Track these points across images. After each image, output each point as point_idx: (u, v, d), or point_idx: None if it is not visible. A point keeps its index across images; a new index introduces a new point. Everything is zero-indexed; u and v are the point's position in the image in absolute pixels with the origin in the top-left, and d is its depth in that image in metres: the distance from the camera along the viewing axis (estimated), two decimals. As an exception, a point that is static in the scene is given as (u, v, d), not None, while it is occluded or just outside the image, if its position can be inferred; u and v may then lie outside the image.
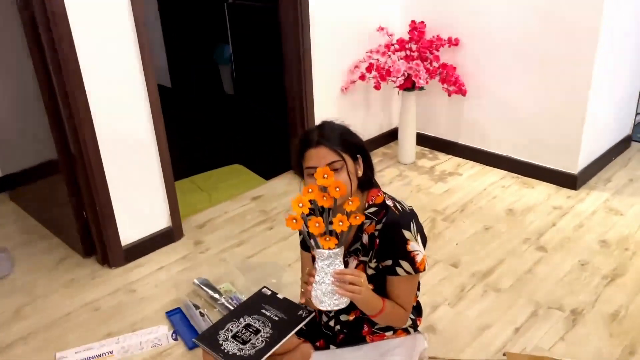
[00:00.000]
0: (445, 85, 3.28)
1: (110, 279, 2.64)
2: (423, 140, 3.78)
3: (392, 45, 3.35)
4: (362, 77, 3.33)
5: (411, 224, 1.53)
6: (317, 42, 3.22)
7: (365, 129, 3.75)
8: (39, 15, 2.20)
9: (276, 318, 1.79)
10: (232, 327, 1.87)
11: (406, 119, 3.50)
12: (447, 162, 3.64)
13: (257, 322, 1.85)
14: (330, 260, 1.42)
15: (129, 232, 2.73)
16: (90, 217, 2.64)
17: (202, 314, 2.31)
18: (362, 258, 1.61)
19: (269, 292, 2.16)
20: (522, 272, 2.53)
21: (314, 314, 1.70)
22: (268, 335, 1.74)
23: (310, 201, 1.36)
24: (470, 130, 3.57)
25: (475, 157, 3.59)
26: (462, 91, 3.29)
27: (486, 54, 3.29)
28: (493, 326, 2.20)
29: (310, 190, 1.36)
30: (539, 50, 3.08)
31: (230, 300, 2.36)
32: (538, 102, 3.18)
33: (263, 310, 1.90)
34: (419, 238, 1.56)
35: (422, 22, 3.34)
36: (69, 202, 2.65)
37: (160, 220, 2.84)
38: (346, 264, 1.64)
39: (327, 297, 1.43)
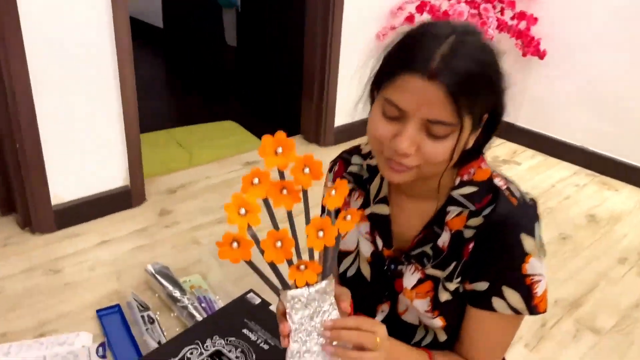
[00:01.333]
0: (519, 42, 2.46)
1: (28, 249, 1.82)
2: (469, 117, 2.98)
3: (451, -16, 2.53)
4: (410, 18, 2.51)
5: (535, 226, 0.80)
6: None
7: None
8: None
9: (265, 346, 1.12)
10: (190, 354, 1.13)
11: (456, 85, 2.69)
12: (500, 146, 2.84)
13: (233, 349, 1.16)
14: (312, 308, 0.73)
15: (65, 186, 1.91)
16: (10, 161, 1.82)
17: (151, 320, 1.50)
18: (430, 271, 0.85)
19: (257, 300, 1.43)
20: (625, 306, 1.74)
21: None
22: (250, 374, 1.03)
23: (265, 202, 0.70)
24: (533, 110, 2.76)
25: (536, 144, 2.79)
26: (539, 53, 2.48)
27: (577, 8, 2.47)
28: (598, 390, 1.42)
29: (256, 179, 0.68)
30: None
31: (197, 304, 1.55)
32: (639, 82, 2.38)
33: (245, 331, 1.18)
34: (542, 254, 0.81)
35: (495, -44, 2.52)
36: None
37: (114, 177, 2.02)
38: (398, 275, 0.88)
39: None
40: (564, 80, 2.61)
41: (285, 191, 0.70)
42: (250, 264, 0.70)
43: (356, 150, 0.96)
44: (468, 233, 0.81)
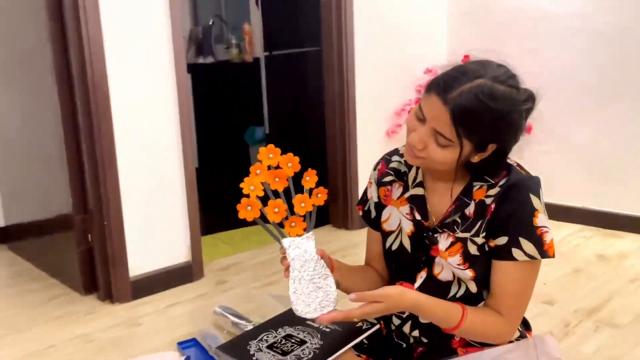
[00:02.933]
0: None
1: (111, 313, 2.10)
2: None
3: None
4: (414, 112, 2.99)
5: (540, 191, 1.08)
6: (360, 87, 2.99)
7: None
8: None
9: (327, 329, 1.32)
10: (267, 337, 1.38)
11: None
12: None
13: (301, 333, 1.37)
14: (303, 249, 1.10)
15: (139, 261, 2.24)
16: (96, 240, 2.19)
17: (224, 344, 1.75)
18: (459, 234, 1.12)
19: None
20: (640, 309, 1.95)
21: (377, 326, 1.19)
22: (317, 346, 1.26)
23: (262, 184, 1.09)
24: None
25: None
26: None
27: (549, 93, 2.95)
28: (623, 363, 1.60)
29: (258, 171, 1.07)
30: (613, 82, 2.76)
31: (261, 328, 1.80)
32: (618, 142, 2.78)
33: (310, 322, 1.41)
34: (545, 212, 1.09)
35: (476, 62, 3.08)
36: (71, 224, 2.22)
37: (178, 254, 2.36)
38: (434, 242, 1.14)
39: (311, 297, 1.09)
40: (552, 153, 2.98)
41: (277, 179, 1.08)
42: (260, 221, 1.06)
43: (395, 151, 1.24)
44: (489, 200, 1.07)
